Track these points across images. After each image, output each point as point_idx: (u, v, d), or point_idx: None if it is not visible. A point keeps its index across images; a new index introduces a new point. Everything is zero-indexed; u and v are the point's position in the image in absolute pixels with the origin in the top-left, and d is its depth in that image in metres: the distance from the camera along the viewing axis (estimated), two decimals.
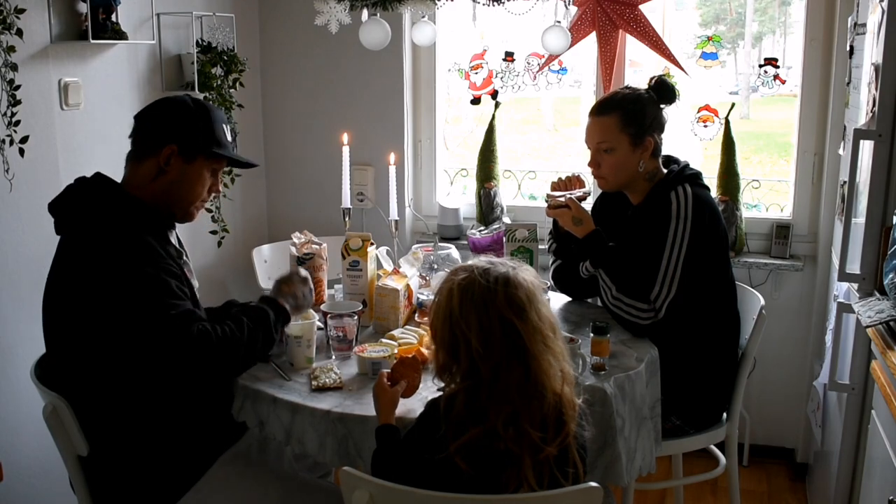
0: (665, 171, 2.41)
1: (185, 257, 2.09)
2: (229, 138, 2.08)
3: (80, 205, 1.92)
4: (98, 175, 1.98)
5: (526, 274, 1.51)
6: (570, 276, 2.56)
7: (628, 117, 2.35)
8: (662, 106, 2.42)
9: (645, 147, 2.36)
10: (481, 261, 1.54)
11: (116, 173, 2.01)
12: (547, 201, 2.49)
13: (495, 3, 2.83)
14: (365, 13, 2.90)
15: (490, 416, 1.43)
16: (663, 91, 2.41)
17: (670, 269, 2.27)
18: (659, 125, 2.40)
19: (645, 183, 2.41)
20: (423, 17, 2.96)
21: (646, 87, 2.43)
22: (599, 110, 2.40)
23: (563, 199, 2.44)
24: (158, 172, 1.96)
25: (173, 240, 2.07)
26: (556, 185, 2.56)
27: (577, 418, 1.48)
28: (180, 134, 1.96)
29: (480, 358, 1.45)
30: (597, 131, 2.40)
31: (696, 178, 2.39)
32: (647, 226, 2.33)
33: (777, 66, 3.22)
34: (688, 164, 2.43)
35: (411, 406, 1.83)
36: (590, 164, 2.44)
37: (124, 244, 1.84)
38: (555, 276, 2.64)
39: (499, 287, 1.45)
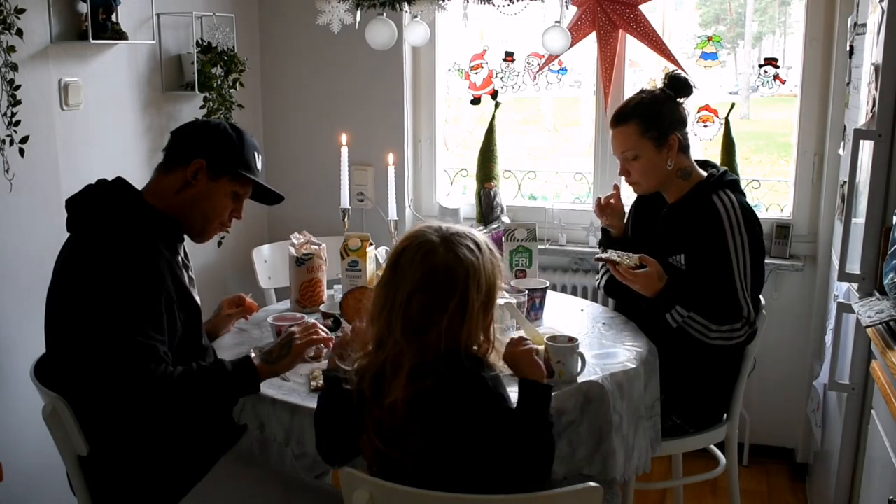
0: (704, 174, 2.41)
1: (190, 272, 2.09)
2: (259, 167, 2.10)
3: (96, 206, 1.93)
4: (119, 179, 1.99)
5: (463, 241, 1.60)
6: (620, 285, 2.44)
7: (647, 122, 2.34)
8: (681, 100, 2.40)
9: (670, 146, 2.35)
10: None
11: (115, 174, 2.01)
12: (607, 269, 2.43)
13: (486, 2, 2.82)
14: (358, 14, 2.90)
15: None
16: (678, 85, 2.40)
17: (744, 278, 2.27)
18: (680, 121, 2.39)
19: (680, 181, 2.40)
20: (417, 17, 2.95)
21: (660, 84, 2.43)
22: (617, 120, 2.39)
23: (636, 264, 2.31)
24: (184, 185, 1.98)
25: (181, 253, 2.08)
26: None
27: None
28: (211, 151, 2.00)
29: None
30: (619, 141, 2.40)
31: (736, 184, 2.39)
32: (701, 241, 2.30)
33: (777, 66, 3.21)
34: (727, 171, 2.41)
35: None
36: (620, 174, 2.44)
37: (132, 250, 1.85)
38: (607, 287, 2.59)
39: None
